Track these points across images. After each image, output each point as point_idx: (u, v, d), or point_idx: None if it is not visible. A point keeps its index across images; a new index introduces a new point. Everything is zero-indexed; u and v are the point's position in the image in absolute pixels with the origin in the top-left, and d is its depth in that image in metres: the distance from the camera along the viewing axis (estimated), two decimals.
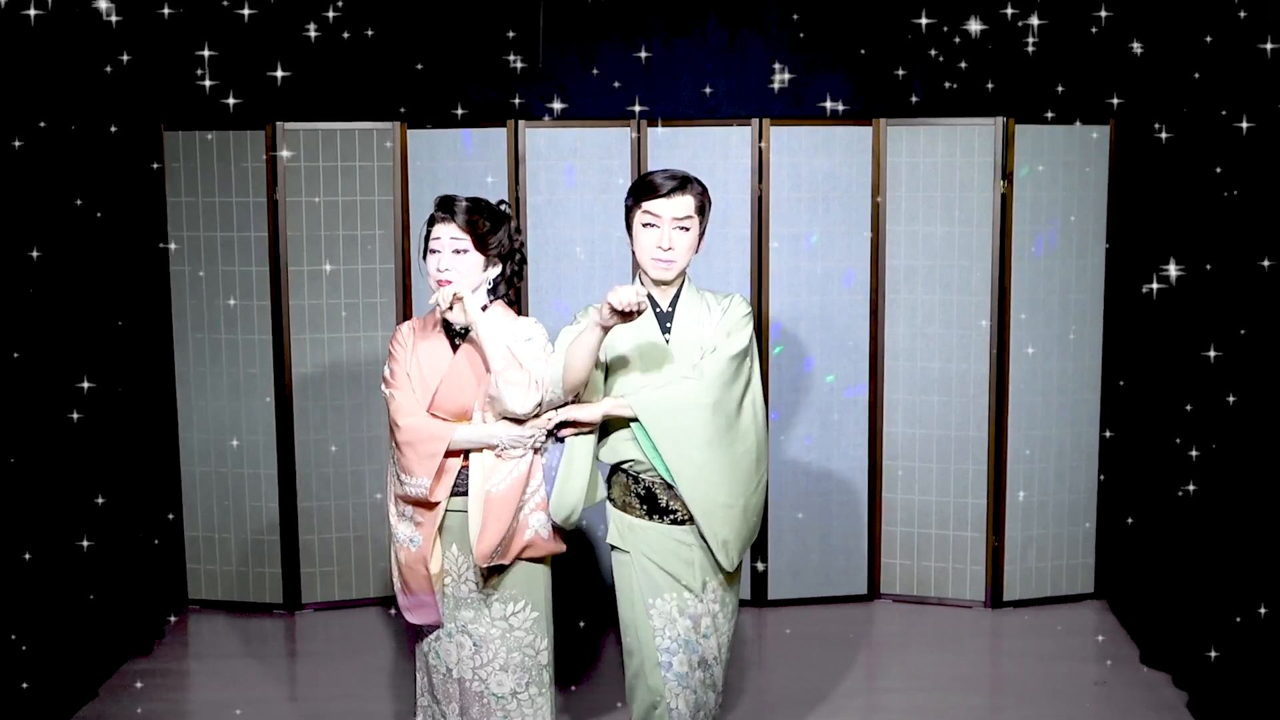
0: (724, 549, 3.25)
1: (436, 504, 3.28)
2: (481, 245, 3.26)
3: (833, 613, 5.09)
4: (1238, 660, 3.92)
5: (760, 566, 5.09)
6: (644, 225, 3.25)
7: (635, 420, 3.23)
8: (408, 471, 3.27)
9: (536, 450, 3.30)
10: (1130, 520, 4.87)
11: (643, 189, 3.25)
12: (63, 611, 4.20)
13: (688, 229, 3.25)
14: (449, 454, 3.25)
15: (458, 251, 3.24)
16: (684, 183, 3.25)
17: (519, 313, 3.46)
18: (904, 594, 5.23)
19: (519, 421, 3.23)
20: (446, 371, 3.30)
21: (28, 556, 3.96)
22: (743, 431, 3.26)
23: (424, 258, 3.32)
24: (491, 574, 3.33)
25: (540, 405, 3.21)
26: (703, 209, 3.28)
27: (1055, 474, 5.12)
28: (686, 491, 3.21)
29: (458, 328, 3.33)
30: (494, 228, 3.29)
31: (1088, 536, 5.18)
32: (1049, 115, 5.01)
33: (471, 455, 3.27)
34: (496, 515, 3.24)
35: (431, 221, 3.30)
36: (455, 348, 3.34)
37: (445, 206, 3.27)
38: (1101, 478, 5.15)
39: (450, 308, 3.24)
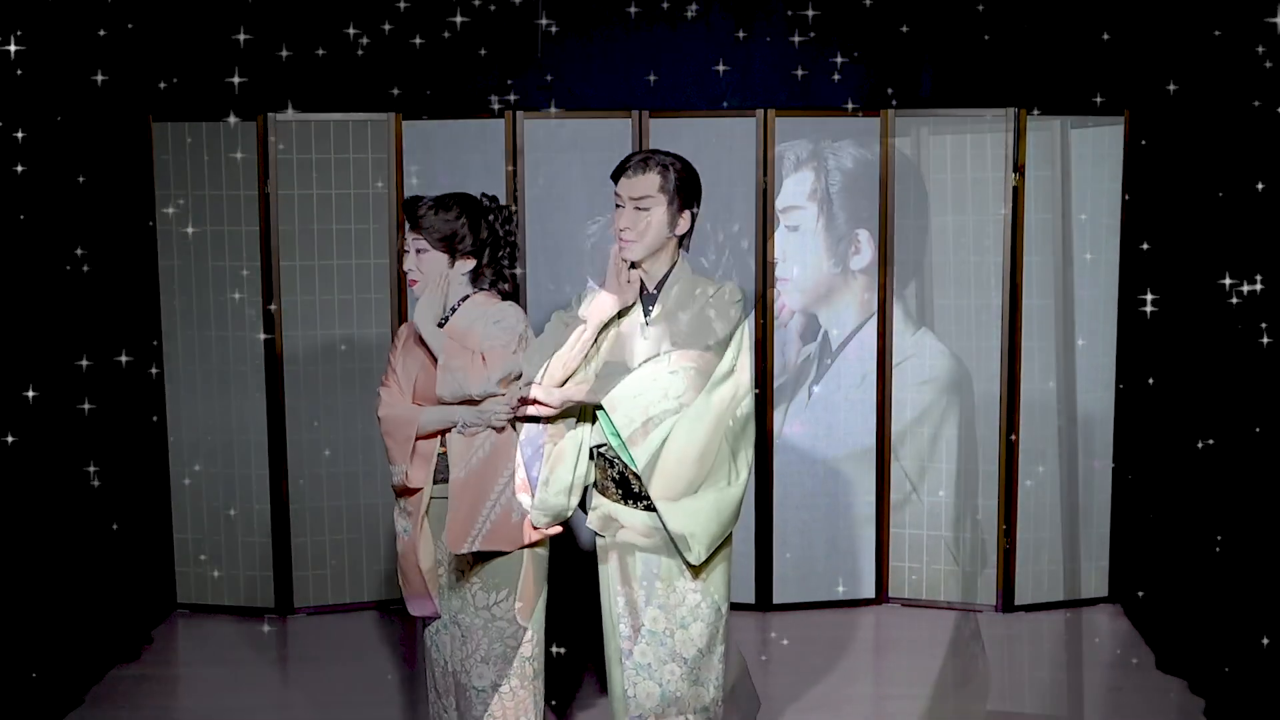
0: (685, 542, 3.15)
1: (418, 490, 3.36)
2: (444, 245, 3.37)
3: (840, 617, 5.06)
4: (1256, 666, 3.89)
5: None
6: (616, 207, 3.28)
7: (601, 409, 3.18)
8: (390, 460, 3.40)
9: (499, 429, 3.30)
10: (1145, 522, 4.83)
11: (614, 171, 3.29)
12: (47, 617, 4.17)
13: (647, 209, 3.22)
14: (423, 438, 3.35)
15: (419, 252, 3.38)
16: (645, 162, 3.23)
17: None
18: (913, 598, 5.16)
19: (475, 402, 3.29)
20: (424, 360, 3.38)
21: (10, 560, 3.94)
22: (716, 419, 3.17)
23: None
24: (472, 561, 3.34)
25: (492, 380, 3.26)
26: (666, 188, 3.22)
27: (1068, 475, 5.04)
28: (650, 484, 3.13)
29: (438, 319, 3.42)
30: (470, 223, 3.38)
31: (1101, 539, 5.13)
32: (1062, 106, 4.95)
33: (448, 441, 3.34)
34: (461, 498, 3.28)
35: None
36: None
37: (406, 210, 3.41)
38: (1115, 479, 5.08)
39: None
